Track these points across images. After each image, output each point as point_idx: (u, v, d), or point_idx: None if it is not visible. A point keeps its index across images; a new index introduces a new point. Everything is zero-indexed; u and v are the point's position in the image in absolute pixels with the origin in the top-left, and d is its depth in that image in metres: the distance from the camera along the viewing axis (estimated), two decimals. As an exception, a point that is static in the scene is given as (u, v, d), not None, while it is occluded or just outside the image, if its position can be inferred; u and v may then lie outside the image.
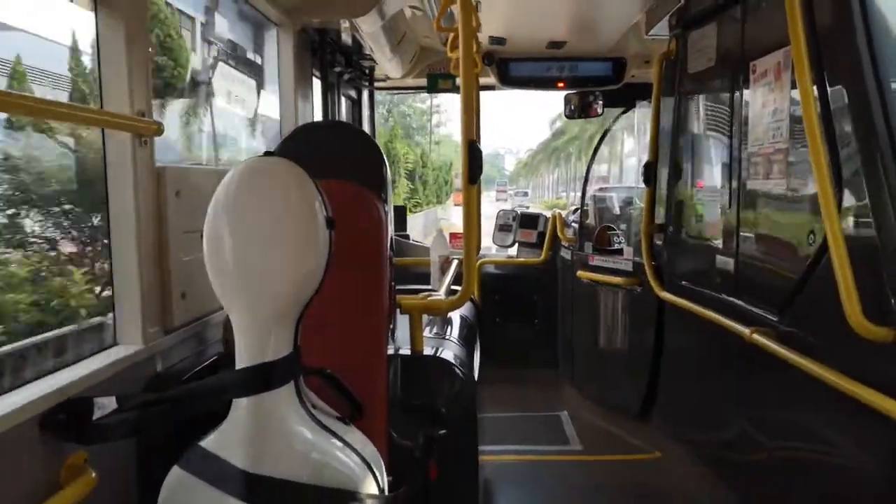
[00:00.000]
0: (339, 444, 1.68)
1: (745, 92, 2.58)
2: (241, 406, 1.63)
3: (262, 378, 1.63)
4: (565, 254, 5.04)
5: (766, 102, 2.42)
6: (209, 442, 1.65)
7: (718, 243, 2.86)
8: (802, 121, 1.95)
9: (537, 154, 63.60)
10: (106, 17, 1.96)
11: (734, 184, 2.69)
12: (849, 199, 1.89)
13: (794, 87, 2.10)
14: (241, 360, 1.64)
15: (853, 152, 1.88)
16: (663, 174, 3.50)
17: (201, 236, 1.67)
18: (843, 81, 1.93)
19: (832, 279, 1.78)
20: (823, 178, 1.86)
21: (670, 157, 3.42)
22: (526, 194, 56.67)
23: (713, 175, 3.00)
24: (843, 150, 1.93)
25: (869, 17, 1.86)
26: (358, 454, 1.69)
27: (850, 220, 1.85)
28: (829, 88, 1.99)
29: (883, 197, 1.73)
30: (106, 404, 1.67)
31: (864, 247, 1.79)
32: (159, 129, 2.06)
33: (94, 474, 1.65)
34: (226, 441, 1.63)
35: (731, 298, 2.65)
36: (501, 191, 61.44)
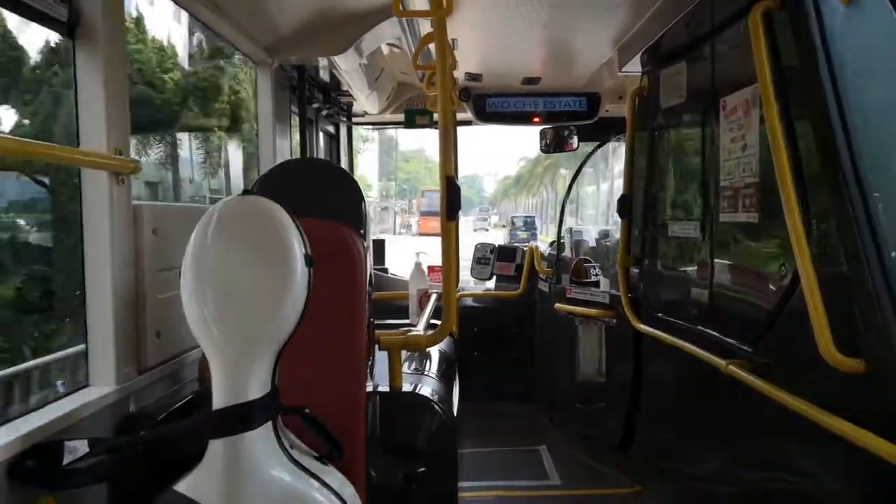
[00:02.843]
0: (316, 484, 1.66)
1: (716, 127, 2.64)
2: (216, 447, 1.61)
3: (240, 419, 1.61)
4: (543, 286, 5.06)
5: (737, 138, 2.47)
6: (183, 485, 1.62)
7: (693, 275, 2.90)
8: (772, 155, 1.99)
9: (525, 176, 53.90)
10: (84, 52, 1.97)
11: (707, 217, 2.73)
12: (818, 232, 1.93)
13: (762, 122, 2.16)
14: (218, 401, 1.63)
15: (820, 186, 1.92)
16: (639, 207, 3.55)
17: (179, 274, 1.67)
18: (809, 117, 1.98)
19: (804, 311, 1.81)
20: (793, 212, 1.90)
21: (645, 191, 3.47)
22: (531, 226, 35.80)
23: (686, 208, 3.04)
24: (811, 184, 1.97)
25: (831, 55, 1.91)
26: (336, 495, 1.67)
27: (821, 252, 1.89)
28: (796, 124, 2.04)
29: (851, 230, 1.77)
30: (77, 448, 1.64)
31: (835, 279, 1.82)
32: (136, 168, 2.06)
33: None
34: (201, 484, 1.61)
35: (707, 330, 2.68)
36: (482, 218, 52.22)
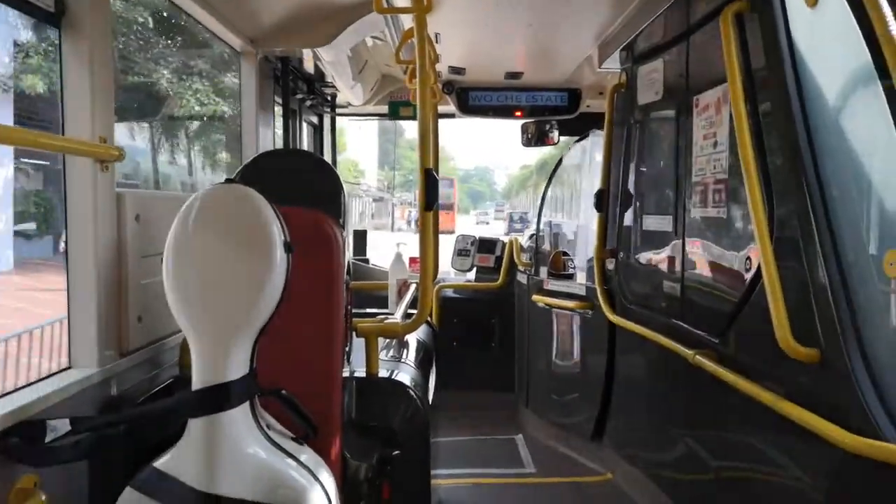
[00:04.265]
0: (292, 463, 1.72)
1: (690, 124, 2.71)
2: (195, 426, 1.67)
3: (218, 398, 1.66)
4: (522, 278, 5.13)
5: (708, 135, 2.54)
6: (163, 462, 1.67)
7: (665, 269, 2.97)
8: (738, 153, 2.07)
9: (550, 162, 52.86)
10: (69, 40, 1.99)
11: (680, 211, 2.80)
12: (781, 229, 2.01)
13: (733, 120, 2.23)
14: (198, 381, 1.68)
15: (784, 184, 2.00)
16: (615, 201, 3.62)
17: (161, 260, 1.71)
18: (775, 117, 2.05)
19: (766, 303, 1.89)
20: (757, 208, 1.97)
21: (621, 185, 3.54)
22: (524, 220, 35.13)
23: (661, 202, 3.11)
24: (776, 182, 2.04)
25: (796, 56, 1.99)
26: (311, 473, 1.73)
27: (782, 248, 1.96)
28: (762, 123, 2.11)
29: (810, 227, 1.84)
30: (59, 427, 1.68)
31: (795, 273, 1.90)
32: (121, 155, 2.10)
33: (43, 497, 1.65)
34: (180, 461, 1.66)
35: (677, 321, 2.76)
36: (483, 212, 50.16)
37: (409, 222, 43.78)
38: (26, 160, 14.30)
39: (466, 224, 39.50)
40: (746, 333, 2.23)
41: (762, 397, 1.97)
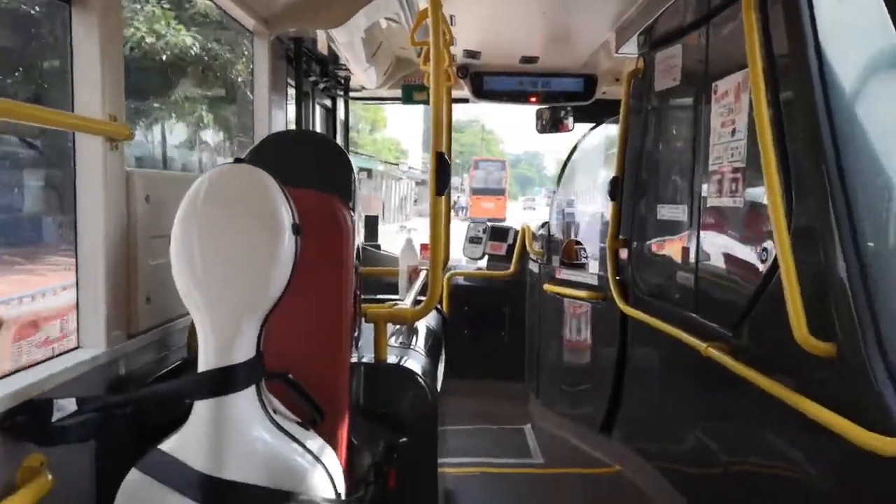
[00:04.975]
0: (298, 448, 1.70)
1: (708, 111, 2.66)
2: (201, 409, 1.65)
3: (224, 381, 1.65)
4: (534, 267, 5.09)
5: (727, 122, 2.49)
6: (169, 444, 1.66)
7: (679, 259, 2.93)
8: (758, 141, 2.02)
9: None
10: (80, 18, 1.97)
11: (695, 200, 2.76)
12: (799, 220, 1.96)
13: (752, 108, 2.18)
14: (204, 364, 1.67)
15: (804, 174, 1.95)
16: (629, 189, 3.58)
17: (170, 241, 1.70)
18: (796, 105, 2.00)
19: (782, 296, 1.85)
20: (775, 198, 1.93)
21: (635, 173, 3.50)
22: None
23: (676, 191, 3.07)
24: (795, 171, 2.00)
25: (821, 43, 1.94)
26: (316, 458, 1.71)
27: (800, 240, 1.92)
28: (783, 111, 2.07)
29: (829, 218, 1.80)
30: (66, 406, 1.68)
31: (813, 265, 1.86)
32: (130, 134, 2.08)
33: (50, 476, 1.65)
34: (186, 444, 1.65)
35: (690, 313, 2.72)
36: (530, 198, 45.81)
37: (456, 210, 38.87)
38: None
39: (514, 210, 37.08)
40: (761, 326, 2.20)
41: (776, 391, 1.94)
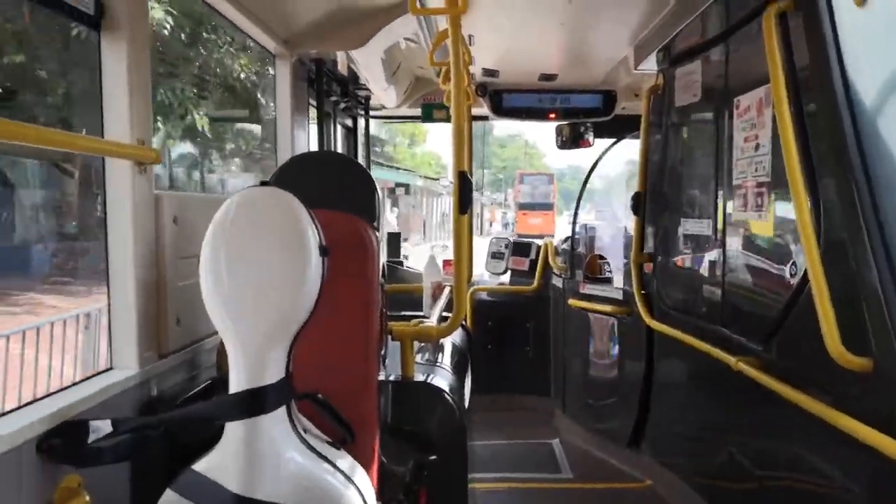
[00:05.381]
0: (329, 468, 1.71)
1: (730, 126, 2.65)
2: (233, 430, 1.67)
3: (256, 402, 1.66)
4: (557, 282, 5.08)
5: (749, 137, 2.49)
6: (202, 465, 1.68)
7: (705, 273, 2.91)
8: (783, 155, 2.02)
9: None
10: (109, 44, 2.02)
11: (719, 215, 2.75)
12: (828, 233, 1.95)
13: (775, 122, 2.18)
14: (235, 385, 1.68)
15: (831, 186, 1.94)
16: (653, 205, 3.57)
17: (198, 262, 1.72)
18: (821, 118, 2.00)
19: (813, 310, 1.83)
20: (803, 212, 1.92)
21: (659, 188, 3.49)
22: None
23: (699, 206, 3.06)
24: (822, 184, 1.99)
25: (844, 57, 1.93)
26: (348, 478, 1.72)
27: (830, 253, 1.91)
28: (807, 125, 2.06)
29: (860, 231, 1.79)
30: (101, 427, 1.70)
31: (844, 278, 1.84)
32: (157, 158, 2.12)
33: (87, 497, 1.67)
34: (219, 464, 1.66)
35: (718, 327, 2.70)
36: (600, 211, 45.96)
37: (505, 225, 36.63)
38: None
39: (561, 225, 35.38)
40: (792, 341, 2.18)
41: (809, 406, 1.92)
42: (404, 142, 38.44)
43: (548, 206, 31.99)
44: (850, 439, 1.72)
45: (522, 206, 32.10)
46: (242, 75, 12.77)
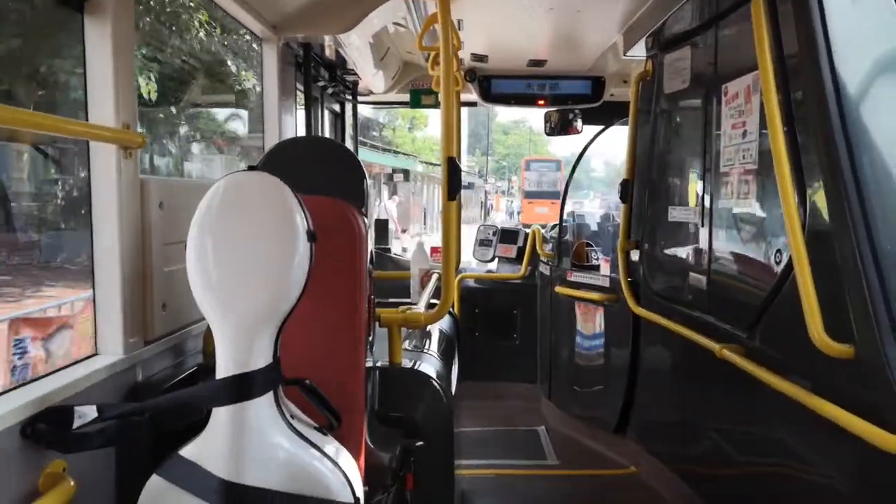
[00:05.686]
0: (316, 453, 1.71)
1: (718, 113, 2.66)
2: (220, 416, 1.66)
3: (242, 388, 1.66)
4: (544, 269, 5.10)
5: (737, 124, 2.49)
6: (189, 450, 1.67)
7: (691, 260, 2.93)
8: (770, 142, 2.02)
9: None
10: (92, 26, 1.98)
11: (706, 202, 2.76)
12: (813, 220, 1.96)
13: (763, 109, 2.18)
14: (222, 370, 1.68)
15: (817, 174, 1.95)
16: (640, 192, 3.58)
17: (185, 248, 1.71)
18: (808, 106, 2.00)
19: (797, 297, 1.85)
20: (789, 199, 1.93)
21: (646, 175, 3.50)
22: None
23: (686, 193, 3.07)
24: (808, 172, 2.00)
25: (832, 44, 1.94)
26: (334, 464, 1.72)
27: (815, 241, 1.92)
28: (794, 112, 2.07)
29: (844, 218, 1.80)
30: (86, 413, 1.69)
31: (828, 266, 1.86)
32: (143, 142, 2.09)
33: (72, 482, 1.66)
34: (205, 450, 1.66)
35: (703, 314, 2.72)
36: (578, 202, 43.15)
37: (510, 214, 35.33)
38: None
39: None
40: (776, 328, 2.20)
41: (792, 392, 1.94)
42: (404, 125, 37.75)
43: (555, 195, 30.75)
44: (832, 425, 1.74)
45: (529, 195, 30.74)
46: (202, 35, 12.04)
